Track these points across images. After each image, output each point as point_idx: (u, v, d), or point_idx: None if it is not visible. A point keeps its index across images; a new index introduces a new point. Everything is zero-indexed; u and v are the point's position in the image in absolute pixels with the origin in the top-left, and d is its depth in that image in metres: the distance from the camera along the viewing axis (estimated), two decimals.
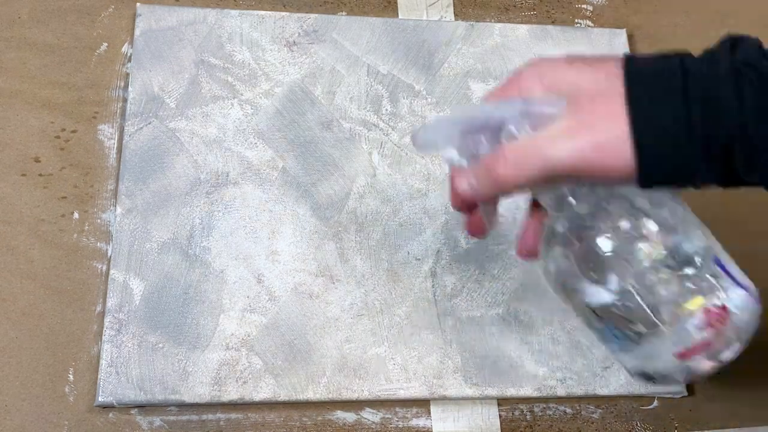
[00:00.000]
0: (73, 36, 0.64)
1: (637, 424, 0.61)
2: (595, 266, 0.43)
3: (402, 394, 0.57)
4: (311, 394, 0.56)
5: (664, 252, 0.42)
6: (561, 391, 0.59)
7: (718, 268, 0.42)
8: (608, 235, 0.42)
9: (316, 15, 0.68)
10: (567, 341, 0.61)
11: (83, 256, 0.58)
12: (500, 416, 0.59)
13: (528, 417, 0.60)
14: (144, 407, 0.55)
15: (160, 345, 0.56)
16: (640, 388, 0.60)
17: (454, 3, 0.72)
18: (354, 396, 0.57)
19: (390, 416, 0.58)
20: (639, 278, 0.42)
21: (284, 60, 0.66)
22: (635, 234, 0.42)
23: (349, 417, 0.58)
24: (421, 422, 0.58)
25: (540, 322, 0.61)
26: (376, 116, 0.65)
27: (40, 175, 0.60)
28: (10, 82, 0.62)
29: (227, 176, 0.61)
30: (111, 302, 0.56)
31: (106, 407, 0.55)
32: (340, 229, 0.61)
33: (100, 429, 0.54)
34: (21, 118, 0.61)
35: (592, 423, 0.61)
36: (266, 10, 0.68)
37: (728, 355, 0.43)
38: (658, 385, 0.51)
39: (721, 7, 0.78)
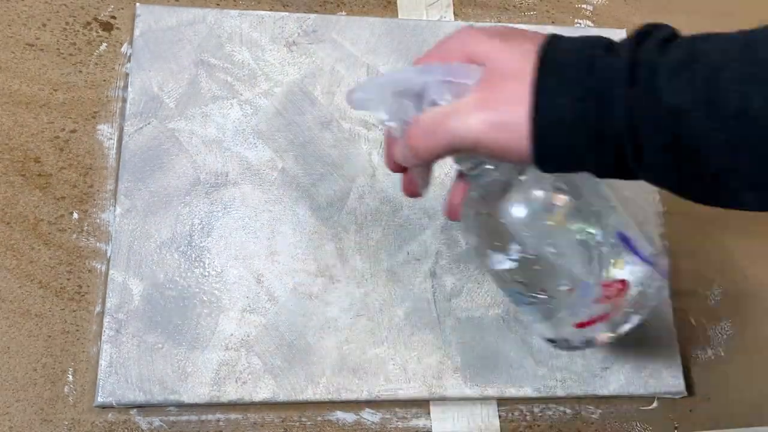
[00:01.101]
0: (73, 36, 0.64)
1: (636, 425, 0.61)
2: (498, 233, 0.43)
3: (401, 394, 0.57)
4: (310, 395, 0.56)
5: (569, 225, 0.42)
6: (561, 392, 0.59)
7: (623, 244, 0.42)
8: (516, 203, 0.42)
9: (316, 15, 0.68)
10: None
11: (82, 256, 0.58)
12: (500, 416, 0.59)
13: (528, 417, 0.60)
14: (143, 407, 0.55)
15: (160, 345, 0.56)
16: (640, 388, 0.60)
17: (453, 3, 0.72)
18: (353, 396, 0.57)
19: (389, 416, 0.58)
20: (540, 248, 0.42)
21: (284, 60, 0.66)
22: (543, 205, 0.42)
23: (348, 417, 0.58)
24: (420, 423, 0.58)
25: None
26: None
27: (40, 175, 0.60)
28: (9, 82, 0.62)
29: (227, 176, 0.61)
30: (110, 302, 0.56)
31: (106, 407, 0.55)
32: (339, 229, 0.61)
33: (99, 429, 0.54)
34: (20, 118, 0.61)
35: (592, 423, 0.61)
36: (266, 10, 0.68)
37: (627, 327, 0.43)
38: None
39: (721, 7, 0.78)
